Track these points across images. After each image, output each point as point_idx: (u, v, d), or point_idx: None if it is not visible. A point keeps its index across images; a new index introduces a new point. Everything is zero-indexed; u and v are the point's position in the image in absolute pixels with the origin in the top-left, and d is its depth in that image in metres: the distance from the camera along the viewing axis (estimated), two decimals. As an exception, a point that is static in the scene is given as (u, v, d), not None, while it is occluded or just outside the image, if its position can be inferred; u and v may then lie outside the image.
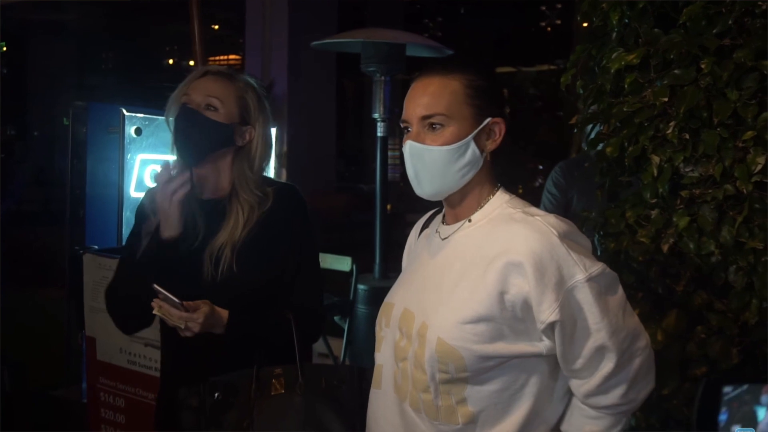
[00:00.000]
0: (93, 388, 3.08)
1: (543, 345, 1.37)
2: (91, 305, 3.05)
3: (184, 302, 1.66)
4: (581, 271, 1.32)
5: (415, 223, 1.68)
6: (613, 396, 1.38)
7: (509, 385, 1.38)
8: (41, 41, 13.95)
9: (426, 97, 1.41)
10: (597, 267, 1.34)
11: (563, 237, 1.35)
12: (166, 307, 1.65)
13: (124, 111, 3.38)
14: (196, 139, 1.78)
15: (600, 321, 1.33)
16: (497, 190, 1.47)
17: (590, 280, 1.33)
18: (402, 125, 1.46)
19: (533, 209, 1.43)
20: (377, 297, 4.29)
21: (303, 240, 1.87)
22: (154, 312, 1.65)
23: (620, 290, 1.38)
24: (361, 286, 4.28)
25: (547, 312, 1.32)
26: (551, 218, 1.38)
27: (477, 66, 1.44)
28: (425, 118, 1.41)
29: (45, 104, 13.05)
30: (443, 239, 1.49)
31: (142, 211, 1.89)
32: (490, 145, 1.43)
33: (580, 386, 1.39)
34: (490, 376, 1.37)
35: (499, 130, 1.43)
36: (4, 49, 15.74)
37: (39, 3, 9.81)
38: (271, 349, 1.74)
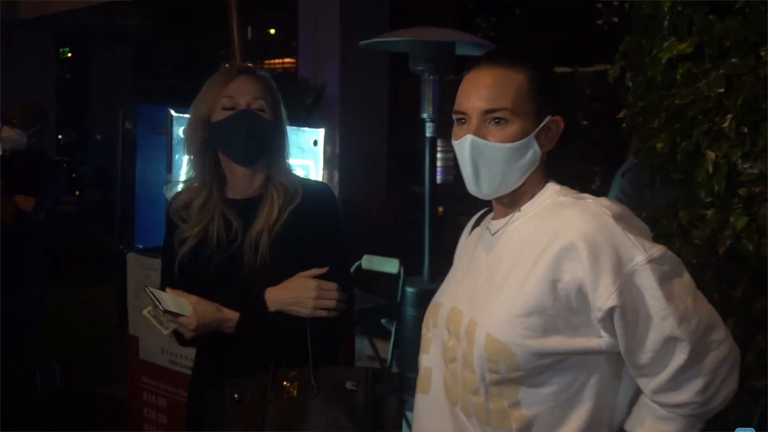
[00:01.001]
0: (135, 386, 3.09)
1: (603, 341, 1.27)
2: (134, 304, 3.06)
3: (187, 295, 1.69)
4: (641, 252, 1.23)
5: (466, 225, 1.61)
6: (688, 392, 1.25)
7: (567, 387, 1.29)
8: (101, 46, 14.33)
9: (489, 89, 1.33)
10: (658, 249, 1.25)
11: (618, 218, 1.26)
12: (155, 311, 1.66)
13: (173, 112, 3.40)
14: (258, 141, 1.79)
15: (666, 307, 1.22)
16: (548, 182, 1.40)
17: (651, 261, 1.22)
18: (456, 117, 1.37)
19: (585, 195, 1.35)
20: (425, 299, 4.20)
21: (332, 239, 1.85)
22: (144, 313, 1.67)
23: (687, 275, 1.28)
24: (409, 289, 4.22)
25: (603, 297, 1.22)
26: (604, 200, 1.30)
27: (539, 59, 1.37)
28: (489, 111, 1.32)
29: (104, 107, 13.41)
30: (493, 234, 1.41)
31: (170, 220, 1.88)
32: (549, 144, 1.37)
33: (648, 383, 1.28)
34: (546, 377, 1.28)
35: (557, 128, 1.36)
36: (69, 54, 16.27)
37: (98, 8, 10.06)
38: (289, 352, 1.70)
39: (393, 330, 4.32)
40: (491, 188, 1.36)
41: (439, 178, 4.58)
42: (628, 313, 1.22)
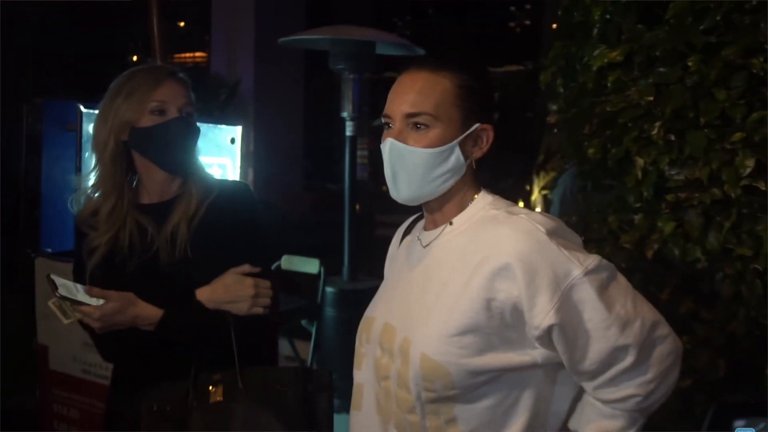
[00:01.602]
0: (45, 398, 2.92)
1: (537, 353, 1.25)
2: (43, 311, 2.89)
3: (101, 290, 1.59)
4: (577, 265, 1.21)
5: (384, 223, 1.56)
6: (630, 387, 1.25)
7: (502, 401, 1.27)
8: (-1, 36, 13.58)
9: (413, 93, 1.29)
10: (592, 259, 1.23)
11: (551, 233, 1.24)
12: (59, 302, 1.57)
13: (82, 107, 3.22)
14: (189, 149, 1.73)
15: (607, 317, 1.21)
16: (479, 192, 1.36)
17: (588, 273, 1.21)
18: (383, 120, 1.34)
19: (517, 208, 1.32)
20: (346, 299, 4.20)
21: (255, 235, 1.78)
22: (49, 304, 1.58)
23: (622, 278, 1.27)
24: (329, 289, 4.17)
25: (540, 316, 1.21)
26: (537, 215, 1.28)
27: (470, 65, 1.33)
28: (410, 116, 1.29)
29: (3, 102, 12.72)
30: (424, 246, 1.38)
31: (78, 230, 1.77)
32: (476, 153, 1.32)
33: (590, 382, 1.27)
34: (481, 393, 1.26)
35: (487, 137, 1.32)
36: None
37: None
38: (213, 354, 1.63)
39: (313, 331, 4.26)
40: (410, 193, 1.32)
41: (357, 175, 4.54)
42: (567, 329, 1.22)
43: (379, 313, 1.41)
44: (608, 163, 1.86)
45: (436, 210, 1.36)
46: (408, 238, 1.48)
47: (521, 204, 3.39)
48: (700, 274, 1.76)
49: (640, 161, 1.79)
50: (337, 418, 1.65)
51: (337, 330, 4.09)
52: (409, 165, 1.29)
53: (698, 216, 1.73)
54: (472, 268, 1.25)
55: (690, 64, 1.72)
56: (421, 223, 1.45)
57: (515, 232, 1.24)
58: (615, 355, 1.23)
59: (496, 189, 1.35)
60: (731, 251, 1.70)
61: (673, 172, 1.78)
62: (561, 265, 1.21)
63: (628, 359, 1.23)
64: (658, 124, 1.75)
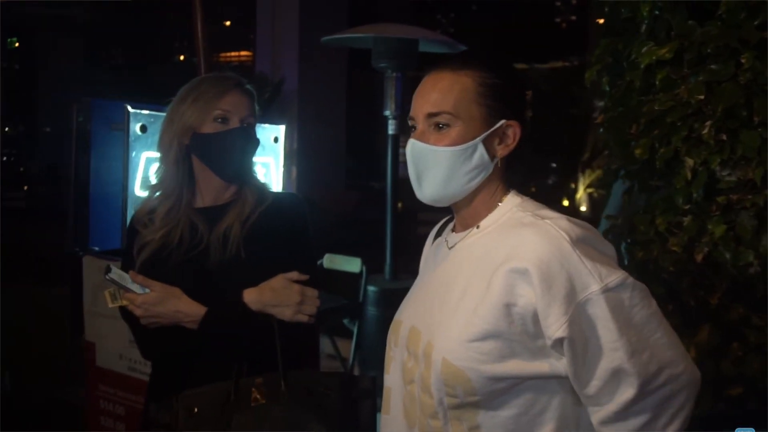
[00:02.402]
0: (92, 394, 2.96)
1: (561, 364, 1.21)
2: (90, 309, 2.94)
3: (145, 279, 1.64)
4: (596, 281, 1.17)
5: (427, 221, 1.55)
6: (635, 425, 1.20)
7: (527, 410, 1.24)
8: (51, 36, 13.91)
9: (434, 93, 1.28)
10: (616, 276, 1.18)
11: (576, 242, 1.20)
12: (114, 289, 1.63)
13: (129, 107, 3.27)
14: (248, 159, 1.78)
15: (617, 339, 1.17)
16: (508, 194, 1.33)
17: (607, 291, 1.16)
18: (409, 122, 1.33)
19: (546, 212, 1.28)
20: (387, 298, 4.19)
21: (304, 245, 1.81)
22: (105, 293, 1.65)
23: (652, 304, 1.21)
24: (371, 288, 4.16)
25: (553, 327, 1.17)
26: (563, 221, 1.23)
27: (494, 62, 1.30)
28: (431, 115, 1.28)
29: (54, 100, 13.04)
30: (450, 248, 1.36)
31: (132, 228, 1.81)
32: (502, 150, 1.29)
33: (595, 413, 1.23)
34: (505, 400, 1.23)
35: (514, 134, 1.29)
36: (16, 44, 15.77)
37: (48, -2, 9.77)
38: (256, 356, 1.63)
39: (355, 330, 4.26)
40: (434, 193, 1.30)
41: (398, 174, 4.53)
42: (577, 343, 1.18)
43: (405, 316, 1.39)
44: (656, 163, 1.80)
45: (464, 210, 1.34)
46: (438, 240, 1.46)
47: (566, 202, 3.33)
48: (751, 279, 1.70)
49: (689, 161, 1.74)
50: (378, 418, 1.64)
51: (379, 329, 4.09)
52: (431, 165, 1.28)
53: (751, 218, 1.68)
54: (492, 271, 1.23)
55: (743, 60, 1.66)
56: (450, 226, 1.43)
57: (537, 236, 1.21)
58: (617, 378, 1.18)
59: (540, 186, 1.32)
60: (786, 255, 1.65)
61: (724, 173, 1.72)
62: (580, 277, 1.17)
63: (630, 390, 1.18)
64: (708, 123, 1.70)
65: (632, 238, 1.90)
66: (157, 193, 1.78)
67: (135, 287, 1.64)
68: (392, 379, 1.39)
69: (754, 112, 1.65)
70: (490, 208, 1.32)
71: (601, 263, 1.19)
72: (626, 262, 1.92)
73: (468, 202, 1.32)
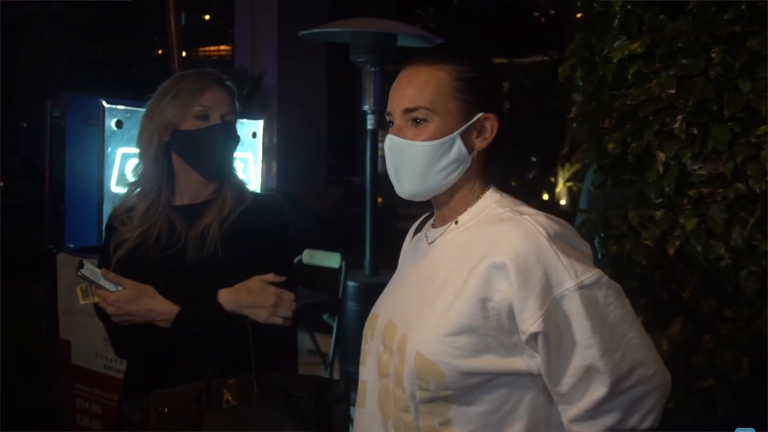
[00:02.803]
0: (68, 393, 2.94)
1: (534, 362, 1.22)
2: (65, 307, 2.91)
3: (117, 276, 1.63)
4: (571, 278, 1.18)
5: (407, 216, 1.54)
6: (605, 424, 1.21)
7: (499, 406, 1.24)
8: (29, 31, 13.74)
9: (410, 88, 1.28)
10: (591, 274, 1.19)
11: (554, 238, 1.21)
12: (86, 285, 1.63)
13: (104, 103, 3.24)
14: (228, 156, 1.77)
15: (590, 337, 1.18)
16: (488, 190, 1.33)
17: (582, 288, 1.18)
18: (387, 118, 1.33)
19: (525, 208, 1.29)
20: (367, 294, 4.18)
21: (283, 247, 1.80)
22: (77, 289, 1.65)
23: (625, 304, 1.22)
24: (350, 283, 4.15)
25: (528, 322, 1.18)
26: (542, 217, 1.24)
27: (470, 56, 1.30)
28: (408, 111, 1.28)
29: (33, 95, 12.89)
30: (429, 243, 1.36)
31: (109, 225, 1.80)
32: (480, 143, 1.29)
33: (566, 411, 1.23)
34: (477, 396, 1.24)
35: (491, 126, 1.29)
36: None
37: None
38: (230, 357, 1.62)
39: (335, 325, 4.26)
40: (413, 188, 1.30)
41: (378, 168, 4.52)
42: (551, 339, 1.18)
43: (383, 309, 1.39)
44: (628, 157, 1.81)
45: (443, 205, 1.34)
46: (418, 235, 1.46)
47: (546, 196, 3.34)
48: (723, 272, 1.71)
49: (661, 156, 1.74)
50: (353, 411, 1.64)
51: (359, 324, 4.05)
52: (410, 159, 1.28)
53: (722, 212, 1.69)
54: (470, 266, 1.23)
55: (714, 55, 1.66)
56: (430, 222, 1.43)
57: (515, 231, 1.21)
58: (588, 376, 1.19)
59: (521, 180, 1.33)
60: (756, 248, 1.66)
61: (695, 167, 1.73)
62: (556, 272, 1.18)
63: (602, 389, 1.18)
64: (680, 117, 1.71)
65: (605, 232, 1.90)
66: (136, 191, 1.76)
67: (108, 284, 1.63)
68: (368, 372, 1.39)
69: (724, 107, 1.66)
70: (469, 203, 1.32)
71: (577, 260, 1.19)
72: (599, 256, 1.92)
73: (447, 197, 1.32)
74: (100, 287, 1.63)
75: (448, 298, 1.24)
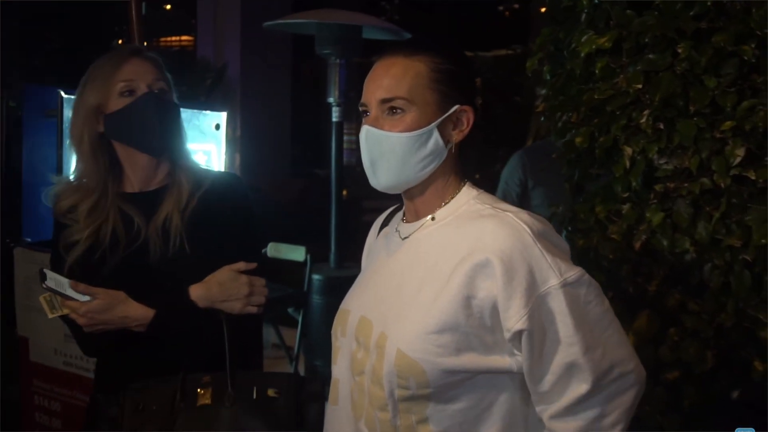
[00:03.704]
0: (26, 391, 2.88)
1: (514, 360, 1.22)
2: (22, 303, 2.84)
3: (87, 287, 1.55)
4: (556, 275, 1.18)
5: (372, 209, 1.53)
6: (585, 419, 1.22)
7: (476, 404, 1.24)
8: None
9: (387, 78, 1.26)
10: (574, 272, 1.20)
11: (538, 236, 1.21)
12: (50, 296, 1.55)
13: (63, 93, 3.16)
14: (168, 126, 1.65)
15: (574, 334, 1.18)
16: (464, 185, 1.32)
17: (565, 285, 1.18)
18: (360, 108, 1.31)
19: (504, 205, 1.29)
20: (332, 287, 4.17)
21: (248, 229, 1.73)
22: (40, 298, 1.56)
23: (605, 302, 1.23)
24: (316, 276, 4.14)
25: (513, 319, 1.18)
26: (524, 215, 1.24)
27: (446, 48, 1.29)
28: (385, 101, 1.26)
29: (-14, 85, 12.53)
30: (403, 239, 1.34)
31: (56, 221, 1.70)
32: (457, 136, 1.29)
33: (547, 410, 1.24)
34: (456, 394, 1.23)
35: (467, 119, 1.28)
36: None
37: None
38: (203, 351, 1.59)
39: (300, 319, 4.23)
40: (389, 180, 1.29)
41: (343, 161, 4.51)
42: (535, 336, 1.18)
43: (354, 305, 1.37)
44: (596, 152, 1.82)
45: (417, 198, 1.32)
46: (386, 229, 1.44)
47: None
48: (688, 266, 1.73)
49: (628, 150, 1.75)
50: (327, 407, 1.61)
51: (324, 317, 4.07)
52: (386, 151, 1.26)
53: (687, 206, 1.70)
54: (453, 263, 1.22)
55: (680, 50, 1.68)
56: (399, 215, 1.41)
57: (500, 228, 1.21)
58: (570, 373, 1.20)
59: (485, 174, 1.32)
60: (720, 242, 1.67)
61: (661, 162, 1.74)
62: (541, 270, 1.18)
63: (583, 386, 1.19)
64: (646, 112, 1.72)
65: (573, 227, 1.91)
66: (77, 188, 1.65)
67: (74, 293, 1.54)
68: (339, 369, 1.37)
69: (690, 102, 1.67)
70: (444, 197, 1.31)
71: (560, 258, 1.20)
72: (567, 250, 1.93)
73: (421, 191, 1.31)
74: (67, 297, 1.55)
75: (430, 296, 1.23)
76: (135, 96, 1.61)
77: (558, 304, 1.18)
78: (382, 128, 1.26)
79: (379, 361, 1.26)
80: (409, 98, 1.25)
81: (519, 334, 1.18)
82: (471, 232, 1.24)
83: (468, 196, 1.31)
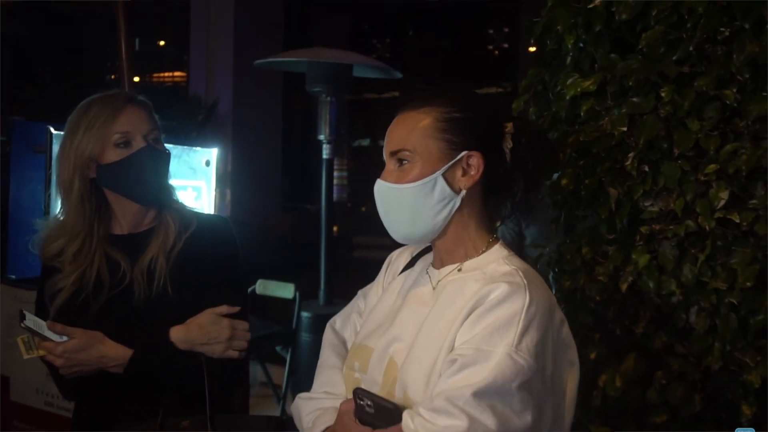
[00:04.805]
0: (6, 430, 2.82)
1: None
2: (5, 341, 2.80)
3: (64, 327, 1.53)
4: (508, 345, 1.17)
5: (363, 245, 1.52)
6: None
7: None
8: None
9: (397, 132, 1.31)
10: (527, 363, 1.17)
11: (530, 312, 1.20)
12: (28, 336, 1.54)
13: (52, 129, 3.16)
14: (162, 178, 1.67)
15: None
16: (495, 243, 1.33)
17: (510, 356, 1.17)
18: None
19: (532, 273, 1.28)
20: (321, 324, 4.12)
21: (233, 273, 1.72)
22: (17, 339, 1.54)
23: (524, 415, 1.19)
24: (305, 313, 4.11)
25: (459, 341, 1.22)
26: (540, 292, 1.23)
27: (456, 96, 1.31)
28: (393, 153, 1.31)
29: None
30: (434, 288, 1.34)
31: (44, 266, 1.68)
32: (466, 182, 1.29)
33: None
34: None
35: (477, 164, 1.29)
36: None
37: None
38: (183, 395, 1.56)
39: (288, 356, 4.19)
40: (403, 230, 1.32)
41: (334, 197, 4.51)
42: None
43: (377, 344, 1.35)
44: (582, 193, 1.82)
45: (441, 246, 1.34)
46: (413, 270, 1.43)
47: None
48: (674, 308, 1.72)
49: (613, 192, 1.76)
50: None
51: (313, 355, 4.00)
52: (395, 203, 1.30)
53: (672, 248, 1.70)
54: (462, 316, 1.24)
55: (663, 94, 1.69)
56: (427, 257, 1.41)
57: (505, 292, 1.21)
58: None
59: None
60: (706, 284, 1.67)
61: (646, 204, 1.75)
62: (502, 332, 1.18)
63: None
64: (631, 154, 1.73)
65: (559, 267, 1.91)
66: (62, 234, 1.63)
67: (52, 334, 1.53)
68: None
69: (674, 144, 1.68)
70: (468, 248, 1.32)
71: (529, 343, 1.18)
72: (553, 290, 1.92)
73: (442, 240, 1.33)
74: (44, 338, 1.53)
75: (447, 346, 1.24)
76: (131, 148, 1.61)
77: (491, 364, 1.16)
78: (389, 180, 1.30)
79: (398, 402, 1.25)
80: (412, 149, 1.28)
81: (456, 356, 1.20)
82: (485, 289, 1.23)
83: (498, 255, 1.31)
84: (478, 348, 1.18)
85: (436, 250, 1.36)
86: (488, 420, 1.13)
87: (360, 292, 1.55)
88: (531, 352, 1.18)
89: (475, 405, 1.14)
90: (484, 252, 1.31)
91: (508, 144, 1.31)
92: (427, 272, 1.37)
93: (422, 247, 1.45)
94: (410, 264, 1.45)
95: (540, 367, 1.19)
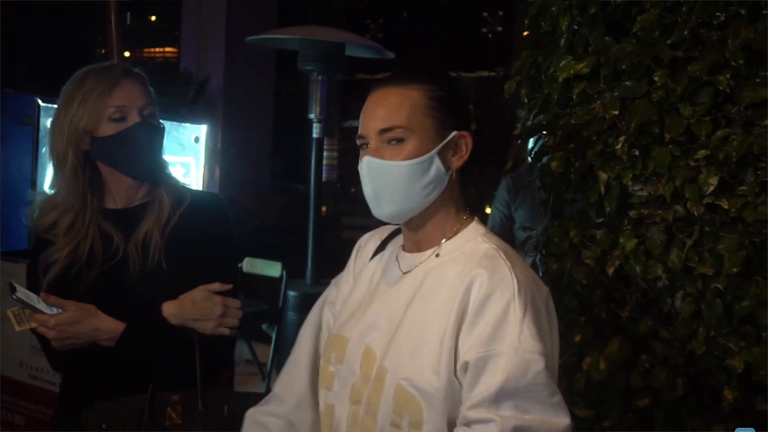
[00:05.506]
0: (-10, 403, 2.82)
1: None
2: (-10, 313, 2.79)
3: (58, 299, 1.52)
4: (512, 340, 1.17)
5: (351, 226, 1.52)
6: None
7: None
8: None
9: (383, 109, 1.28)
10: (534, 350, 1.17)
11: (523, 297, 1.20)
12: (19, 309, 1.53)
13: (40, 101, 3.13)
14: (156, 153, 1.66)
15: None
16: (471, 221, 1.33)
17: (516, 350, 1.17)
18: (358, 142, 1.32)
19: (511, 251, 1.29)
20: (308, 303, 4.11)
21: (227, 250, 1.71)
22: (8, 312, 1.53)
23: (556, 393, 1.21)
24: (291, 293, 4.10)
25: (463, 350, 1.21)
26: (523, 272, 1.24)
27: (438, 75, 1.31)
28: (384, 131, 1.27)
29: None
30: (405, 272, 1.33)
31: (38, 238, 1.67)
32: (456, 162, 1.29)
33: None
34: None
35: (466, 144, 1.29)
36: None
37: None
38: (174, 370, 1.57)
39: (273, 335, 4.19)
40: (393, 210, 1.29)
41: (323, 176, 4.49)
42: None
43: (353, 333, 1.34)
44: (571, 176, 1.82)
45: (419, 229, 1.32)
46: (383, 255, 1.42)
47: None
48: (660, 292, 1.73)
49: (603, 176, 1.76)
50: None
51: (298, 333, 4.03)
52: (389, 180, 1.26)
53: (660, 233, 1.70)
54: (454, 311, 1.23)
55: (656, 78, 1.68)
56: (397, 242, 1.40)
57: (490, 280, 1.21)
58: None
59: (462, 194, 1.32)
60: (692, 269, 1.68)
61: (636, 188, 1.75)
62: (503, 328, 1.19)
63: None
64: (622, 138, 1.72)
65: (547, 250, 1.91)
66: (56, 206, 1.62)
67: (45, 307, 1.52)
68: (336, 396, 1.35)
69: (665, 130, 1.68)
70: (446, 230, 1.31)
71: (531, 326, 1.19)
72: (540, 274, 1.93)
73: (422, 221, 1.31)
74: (37, 311, 1.52)
75: (439, 336, 1.23)
76: (126, 123, 1.60)
77: (503, 364, 1.17)
78: (383, 158, 1.26)
79: (376, 393, 1.25)
80: (408, 126, 1.26)
81: (466, 363, 1.20)
82: (468, 276, 1.23)
83: (476, 233, 1.31)
84: (485, 352, 1.18)
85: (410, 232, 1.34)
86: (516, 419, 1.15)
87: (333, 281, 1.53)
88: (535, 336, 1.18)
89: (498, 408, 1.15)
90: (459, 231, 1.31)
91: (474, 125, 1.32)
92: (397, 257, 1.36)
93: (391, 229, 1.44)
94: (380, 248, 1.44)
95: (546, 345, 1.20)
